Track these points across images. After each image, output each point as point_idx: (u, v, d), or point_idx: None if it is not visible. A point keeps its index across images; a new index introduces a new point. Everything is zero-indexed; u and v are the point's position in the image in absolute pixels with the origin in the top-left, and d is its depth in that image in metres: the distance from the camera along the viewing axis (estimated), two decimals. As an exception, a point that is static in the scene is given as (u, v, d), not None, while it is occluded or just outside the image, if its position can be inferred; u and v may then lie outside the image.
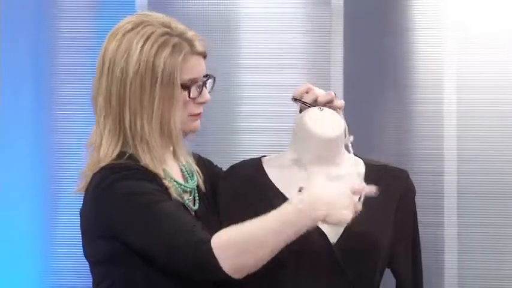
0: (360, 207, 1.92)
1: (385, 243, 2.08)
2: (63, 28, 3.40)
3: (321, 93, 2.16)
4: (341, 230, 2.04)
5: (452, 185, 3.36)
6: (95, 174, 2.05)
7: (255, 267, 1.93)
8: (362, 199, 1.95)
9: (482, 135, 3.36)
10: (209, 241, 1.92)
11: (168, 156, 2.13)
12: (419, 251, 2.16)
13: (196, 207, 2.13)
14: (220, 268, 1.91)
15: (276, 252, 1.92)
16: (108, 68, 2.06)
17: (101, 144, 2.07)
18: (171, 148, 2.14)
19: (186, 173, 2.17)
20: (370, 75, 3.38)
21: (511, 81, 3.36)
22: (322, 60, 3.40)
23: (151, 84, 2.03)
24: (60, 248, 3.34)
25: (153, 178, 2.03)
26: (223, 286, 2.03)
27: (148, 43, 2.03)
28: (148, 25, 2.06)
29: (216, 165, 2.29)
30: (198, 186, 2.16)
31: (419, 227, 2.17)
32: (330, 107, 2.13)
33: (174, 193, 2.05)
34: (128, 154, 2.06)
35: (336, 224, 1.91)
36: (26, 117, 3.38)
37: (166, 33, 2.06)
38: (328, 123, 2.10)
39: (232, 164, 2.16)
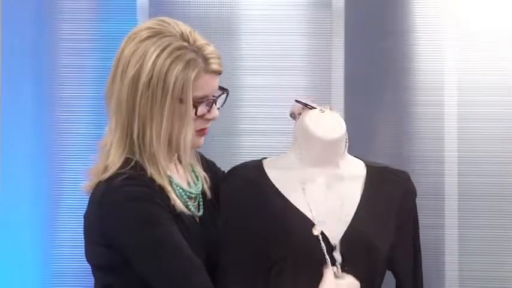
0: None
1: (386, 245, 2.08)
2: (63, 29, 3.40)
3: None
4: (342, 232, 2.04)
5: (453, 187, 3.36)
6: (102, 182, 2.04)
7: None
8: None
9: (483, 137, 3.36)
10: None
11: (173, 162, 2.13)
12: (420, 252, 2.15)
13: (201, 213, 2.13)
14: None
15: None
16: (122, 72, 2.05)
17: (110, 149, 2.07)
18: (176, 155, 2.14)
19: (190, 178, 2.17)
20: (371, 77, 3.38)
21: (510, 84, 3.36)
22: (323, 62, 3.40)
23: (162, 97, 2.01)
24: (62, 249, 3.34)
25: (160, 194, 2.02)
26: None
27: (163, 55, 2.01)
28: (166, 36, 2.03)
29: (219, 168, 2.28)
30: (203, 191, 2.15)
31: (420, 229, 2.17)
32: None
33: (178, 202, 2.04)
34: (134, 161, 2.05)
35: None
36: (27, 118, 3.38)
37: (183, 47, 2.03)
38: (329, 125, 2.11)
39: (233, 166, 2.15)
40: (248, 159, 2.20)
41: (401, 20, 3.39)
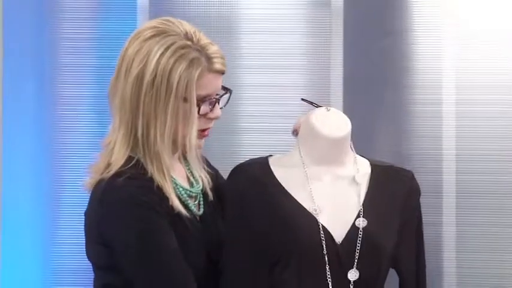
0: None
1: (390, 243, 2.09)
2: (64, 29, 3.40)
3: None
4: (346, 230, 2.03)
5: (451, 184, 3.36)
6: (104, 180, 2.03)
7: None
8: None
9: (480, 135, 3.36)
10: None
11: (174, 161, 2.12)
12: (423, 251, 2.15)
13: (201, 212, 2.13)
14: None
15: None
16: (126, 71, 2.04)
17: (114, 147, 2.06)
18: (177, 154, 2.13)
19: (191, 177, 2.16)
20: (370, 76, 3.38)
21: (510, 82, 3.36)
22: (322, 61, 3.40)
23: (166, 96, 2.01)
24: (63, 247, 3.35)
25: (158, 196, 2.01)
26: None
27: (167, 54, 2.01)
28: (170, 35, 2.03)
29: (222, 177, 2.27)
30: (204, 191, 2.15)
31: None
32: None
33: (176, 202, 2.03)
34: (135, 159, 2.04)
35: None
36: (28, 117, 3.38)
37: (187, 46, 2.02)
38: (335, 123, 2.12)
39: (239, 163, 2.15)
40: (248, 157, 2.21)
41: (400, 20, 3.39)
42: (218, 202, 2.16)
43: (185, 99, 2.01)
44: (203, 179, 2.16)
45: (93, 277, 2.13)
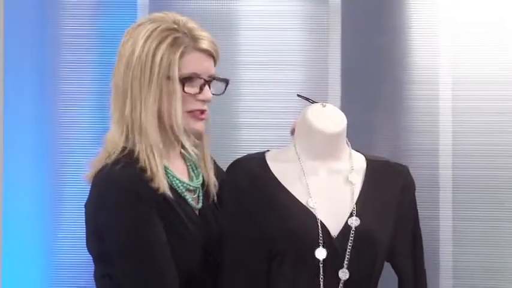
0: None
1: (386, 237, 2.08)
2: (66, 26, 3.40)
3: None
4: (341, 226, 2.04)
5: (448, 179, 3.36)
6: (100, 170, 2.04)
7: None
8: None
9: (477, 130, 3.36)
10: None
11: (174, 156, 2.12)
12: (421, 245, 2.16)
13: (200, 205, 2.13)
14: None
15: None
16: (119, 61, 2.09)
17: (110, 137, 2.08)
18: (177, 148, 2.14)
19: (192, 172, 2.16)
20: (367, 72, 3.38)
21: (506, 78, 3.36)
22: (320, 57, 3.40)
23: (150, 75, 2.04)
24: (64, 240, 3.35)
25: (149, 188, 2.01)
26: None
27: (152, 36, 2.05)
28: (158, 21, 2.07)
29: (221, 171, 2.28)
30: (204, 187, 2.15)
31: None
32: None
33: (163, 182, 2.03)
34: (127, 149, 2.05)
35: None
36: (30, 112, 3.38)
37: (172, 29, 2.06)
38: (331, 119, 2.12)
39: (236, 158, 2.16)
40: (246, 152, 2.21)
41: (397, 16, 3.39)
42: (221, 203, 2.17)
43: (168, 78, 2.04)
44: (209, 174, 2.17)
45: (92, 271, 2.14)
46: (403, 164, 2.19)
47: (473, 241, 3.36)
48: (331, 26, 3.39)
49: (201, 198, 2.15)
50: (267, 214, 2.05)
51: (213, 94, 2.12)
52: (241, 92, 3.35)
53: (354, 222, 2.05)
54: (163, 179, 2.03)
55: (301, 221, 2.03)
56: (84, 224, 2.11)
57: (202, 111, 2.11)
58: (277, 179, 2.09)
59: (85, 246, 2.12)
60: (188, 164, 2.19)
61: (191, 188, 2.13)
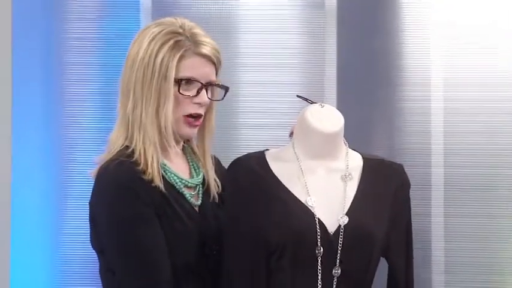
0: None
1: (381, 233, 2.08)
2: (71, 29, 3.39)
3: None
4: (338, 224, 2.03)
5: (439, 177, 3.36)
6: (102, 168, 2.04)
7: None
8: None
9: (467, 130, 3.36)
10: None
11: (174, 154, 2.11)
12: (412, 241, 2.15)
13: (199, 202, 2.13)
14: None
15: None
16: (126, 62, 2.09)
17: (113, 135, 2.08)
18: (178, 148, 2.13)
19: (193, 170, 2.16)
20: (362, 74, 3.37)
21: (495, 80, 3.36)
22: (316, 60, 3.39)
23: (151, 76, 2.04)
24: (70, 236, 3.35)
25: (146, 185, 2.00)
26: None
27: (156, 39, 2.05)
28: (164, 25, 2.07)
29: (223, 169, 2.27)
30: (205, 185, 2.14)
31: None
32: None
33: (155, 173, 2.02)
34: (131, 148, 2.05)
35: None
36: (37, 112, 3.38)
37: (176, 32, 2.06)
38: (329, 119, 2.12)
39: (237, 157, 2.15)
40: (246, 151, 2.20)
41: (391, 20, 3.38)
42: (222, 202, 2.16)
43: (165, 78, 2.03)
44: (208, 172, 2.15)
45: (97, 265, 2.13)
46: (398, 162, 2.19)
47: (464, 237, 3.36)
48: (327, 30, 3.39)
49: (200, 195, 2.14)
50: (268, 212, 2.04)
51: (210, 99, 2.11)
52: (240, 93, 3.34)
53: (343, 220, 2.04)
54: (157, 172, 2.03)
55: (300, 219, 2.03)
56: (88, 220, 2.11)
57: (198, 117, 2.10)
58: (277, 178, 2.08)
59: (89, 240, 2.11)
60: (190, 162, 2.18)
61: (190, 184, 2.13)
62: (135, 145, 2.04)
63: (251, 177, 2.08)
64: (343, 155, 2.13)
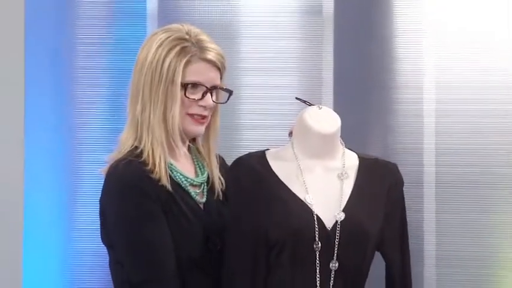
0: None
1: (375, 229, 2.08)
2: (81, 34, 3.39)
3: None
4: (335, 220, 2.03)
5: (431, 176, 3.36)
6: (112, 166, 2.05)
7: None
8: None
9: (458, 131, 3.36)
10: None
11: (180, 155, 2.12)
12: (407, 237, 2.15)
13: (204, 200, 2.13)
14: None
15: None
16: (136, 65, 2.09)
17: (123, 136, 2.08)
18: (184, 148, 2.13)
19: (199, 169, 2.16)
20: (358, 77, 3.37)
21: (485, 83, 3.35)
22: (314, 64, 3.39)
23: (159, 80, 2.05)
24: (80, 231, 3.34)
25: (153, 183, 2.01)
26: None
27: (163, 45, 2.05)
28: (171, 31, 2.07)
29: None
30: (209, 183, 2.14)
31: (402, 214, 2.18)
32: None
33: (163, 173, 2.02)
34: (140, 149, 2.06)
35: None
36: (49, 115, 3.37)
37: (182, 38, 2.06)
38: (326, 120, 2.12)
39: (239, 156, 2.15)
40: (247, 151, 2.21)
41: (385, 26, 3.39)
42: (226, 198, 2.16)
43: (172, 82, 2.03)
44: (213, 171, 2.16)
45: (108, 258, 2.14)
46: (392, 161, 2.19)
47: (455, 232, 3.35)
48: (324, 36, 3.39)
49: (205, 193, 2.15)
50: (269, 210, 2.05)
51: (215, 102, 2.12)
52: (242, 96, 3.34)
53: (340, 216, 2.05)
54: (164, 172, 2.03)
55: (300, 216, 2.03)
56: (98, 216, 2.12)
57: (203, 117, 2.11)
58: (277, 177, 2.09)
59: (99, 235, 2.12)
60: (195, 162, 2.19)
61: (195, 183, 2.13)
62: (144, 146, 2.05)
63: (252, 175, 2.09)
64: (339, 154, 2.14)
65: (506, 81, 3.34)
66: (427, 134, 3.37)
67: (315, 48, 3.39)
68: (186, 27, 2.10)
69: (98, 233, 2.13)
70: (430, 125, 3.36)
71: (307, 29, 3.40)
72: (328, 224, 2.04)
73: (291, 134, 2.17)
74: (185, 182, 2.10)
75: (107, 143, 3.24)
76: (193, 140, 2.19)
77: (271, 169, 2.10)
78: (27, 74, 3.35)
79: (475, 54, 3.35)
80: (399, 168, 2.18)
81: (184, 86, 2.06)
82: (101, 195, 2.08)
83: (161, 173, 2.02)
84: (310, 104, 2.15)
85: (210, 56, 2.07)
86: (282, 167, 2.10)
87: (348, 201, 2.07)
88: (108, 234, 2.07)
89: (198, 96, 2.08)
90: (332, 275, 2.03)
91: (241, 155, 2.17)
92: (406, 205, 2.18)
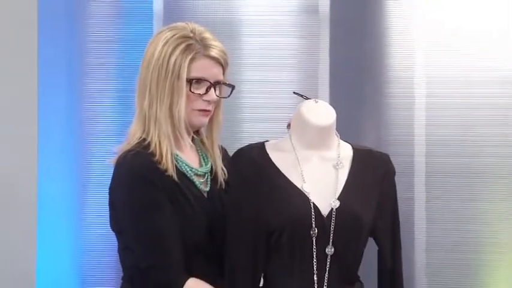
0: None
1: (368, 216, 2.08)
2: (92, 33, 3.39)
3: None
4: (331, 207, 2.04)
5: (421, 166, 3.36)
6: (121, 157, 2.05)
7: None
8: None
9: (446, 123, 3.35)
10: (182, 286, 1.97)
11: (186, 146, 2.13)
12: (398, 223, 2.16)
13: (208, 188, 2.14)
14: None
15: None
16: (143, 62, 2.09)
17: (131, 129, 2.09)
18: (189, 140, 2.14)
19: (202, 160, 2.17)
20: (352, 72, 3.37)
21: (472, 78, 3.35)
22: (311, 60, 3.39)
23: (165, 75, 2.05)
24: (90, 218, 3.35)
25: (160, 173, 2.01)
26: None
27: (169, 42, 2.05)
28: (177, 29, 2.07)
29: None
30: (213, 173, 2.15)
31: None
32: None
33: (170, 165, 2.03)
34: (147, 141, 2.06)
35: None
36: (61, 110, 3.37)
37: (187, 36, 2.06)
38: (322, 113, 2.12)
39: (240, 148, 2.15)
40: (248, 142, 2.20)
41: (378, 24, 3.38)
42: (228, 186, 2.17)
43: (178, 77, 2.03)
44: (216, 162, 2.17)
45: (117, 244, 2.14)
46: (384, 152, 2.20)
47: (444, 219, 3.35)
48: (321, 33, 3.39)
49: (209, 182, 2.15)
50: (268, 197, 2.05)
51: (218, 96, 2.13)
52: (243, 90, 3.33)
53: (335, 204, 2.05)
54: (171, 163, 2.03)
55: (297, 203, 2.04)
56: (107, 204, 2.12)
57: (207, 112, 2.11)
58: (276, 166, 2.09)
59: (108, 222, 2.13)
60: (200, 153, 2.19)
61: (199, 173, 2.14)
62: (151, 138, 2.05)
63: (253, 166, 2.09)
64: (335, 145, 2.13)
65: (493, 76, 3.34)
66: (417, 126, 3.37)
67: (312, 45, 3.39)
68: (191, 25, 2.10)
69: (108, 219, 2.13)
70: (421, 117, 3.37)
71: (304, 27, 3.40)
72: (324, 211, 2.04)
73: (289, 126, 2.17)
74: (190, 171, 2.10)
75: (116, 136, 3.25)
76: (197, 131, 2.19)
77: (271, 159, 2.10)
78: (40, 71, 3.35)
79: (463, 51, 3.35)
80: (391, 158, 2.18)
81: (190, 82, 2.06)
82: (110, 184, 2.08)
83: (168, 164, 2.02)
84: (307, 98, 2.15)
85: (214, 53, 2.07)
86: (280, 158, 2.10)
87: (342, 189, 2.07)
88: (117, 221, 2.07)
89: (202, 91, 2.08)
90: (328, 260, 2.03)
91: (242, 146, 2.18)
92: (397, 193, 2.18)
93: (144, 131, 2.08)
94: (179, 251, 2.00)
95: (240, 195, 2.07)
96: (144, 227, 1.98)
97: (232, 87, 2.15)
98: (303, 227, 2.02)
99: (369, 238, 2.13)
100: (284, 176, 2.07)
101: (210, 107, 2.11)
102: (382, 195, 2.12)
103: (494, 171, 3.34)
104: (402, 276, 2.15)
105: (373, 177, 2.11)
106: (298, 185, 2.06)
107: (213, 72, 2.09)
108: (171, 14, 3.33)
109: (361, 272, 2.14)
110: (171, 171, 2.03)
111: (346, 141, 2.17)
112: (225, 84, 2.14)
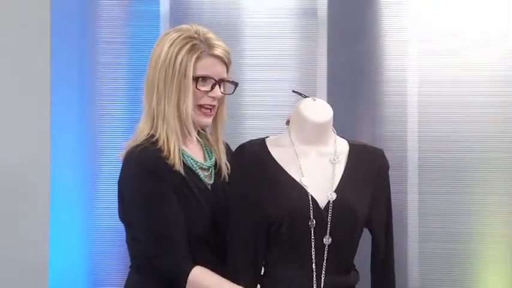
0: None
1: (363, 208, 2.08)
2: (102, 34, 3.39)
3: None
4: (328, 200, 2.04)
5: (414, 160, 3.36)
6: (129, 152, 2.05)
7: None
8: None
9: (438, 120, 3.36)
10: (188, 273, 1.96)
11: (191, 142, 2.13)
12: (391, 215, 2.16)
13: (212, 181, 2.14)
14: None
15: None
16: (150, 62, 2.09)
17: (140, 125, 2.09)
18: (195, 134, 2.14)
19: (207, 155, 2.17)
20: (349, 72, 3.37)
21: (463, 78, 3.36)
22: (310, 61, 3.39)
23: (172, 75, 2.05)
24: (100, 210, 3.36)
25: (167, 167, 2.01)
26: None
27: (175, 43, 2.05)
28: (182, 31, 2.07)
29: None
30: (217, 166, 2.15)
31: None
32: None
33: (177, 159, 2.03)
34: (155, 137, 2.06)
35: None
36: (73, 108, 3.38)
37: (192, 37, 2.06)
38: (320, 111, 2.11)
39: (241, 143, 2.15)
40: (249, 138, 2.19)
41: (373, 27, 3.38)
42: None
43: (185, 76, 2.04)
44: (220, 156, 2.17)
45: (125, 235, 2.14)
46: (379, 147, 2.20)
47: (435, 211, 3.36)
48: (319, 35, 3.39)
49: (213, 175, 2.15)
50: (269, 190, 2.05)
51: (223, 93, 2.13)
52: (245, 89, 3.33)
53: (332, 196, 2.05)
54: (178, 158, 2.03)
55: (296, 196, 2.04)
56: (117, 196, 2.12)
57: (211, 108, 2.11)
58: (276, 161, 2.09)
59: (117, 213, 2.13)
60: (204, 148, 2.19)
61: (204, 166, 2.14)
62: (159, 135, 2.05)
63: (254, 160, 2.08)
64: (332, 141, 2.13)
65: (482, 76, 3.34)
66: (410, 123, 3.37)
67: (311, 46, 3.39)
68: (195, 27, 2.10)
69: (117, 211, 2.13)
70: (413, 115, 3.37)
71: (303, 29, 3.40)
72: (322, 203, 2.04)
73: (288, 123, 2.16)
74: (195, 165, 2.11)
75: (126, 131, 3.24)
76: (202, 128, 2.19)
77: (271, 154, 2.10)
78: (53, 70, 3.35)
79: (454, 51, 3.35)
80: (385, 153, 2.18)
81: (196, 80, 2.06)
82: (119, 177, 2.09)
83: (175, 159, 2.03)
84: (306, 96, 2.15)
85: (218, 52, 2.08)
86: (280, 153, 2.10)
87: (339, 183, 2.07)
88: (125, 212, 2.07)
89: (207, 88, 2.08)
90: (326, 250, 2.03)
91: (243, 141, 2.18)
92: (391, 187, 2.18)
93: (152, 127, 2.08)
94: (185, 241, 2.00)
95: (242, 189, 2.07)
96: (151, 218, 1.98)
97: (236, 84, 2.15)
98: (301, 219, 2.02)
99: (364, 229, 2.13)
100: (283, 170, 2.08)
101: (215, 103, 2.11)
102: (377, 188, 2.12)
103: (483, 165, 3.34)
104: (394, 265, 2.16)
105: (368, 171, 2.11)
106: (297, 179, 2.07)
107: (218, 70, 2.09)
108: (177, 17, 3.34)
109: (356, 261, 2.14)
110: (178, 166, 2.03)
111: (343, 137, 2.17)
112: (228, 81, 2.14)
